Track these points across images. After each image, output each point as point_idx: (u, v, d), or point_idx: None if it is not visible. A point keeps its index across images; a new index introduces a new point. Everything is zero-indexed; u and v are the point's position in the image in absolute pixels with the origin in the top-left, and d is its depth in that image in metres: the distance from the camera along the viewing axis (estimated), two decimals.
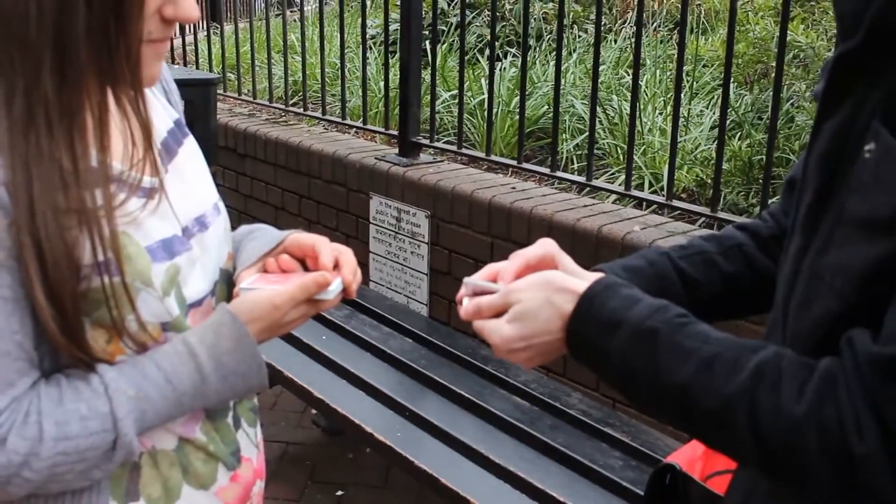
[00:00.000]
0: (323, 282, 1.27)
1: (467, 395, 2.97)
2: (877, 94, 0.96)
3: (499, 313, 1.19)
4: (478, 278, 1.26)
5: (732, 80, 4.50)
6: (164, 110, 1.34)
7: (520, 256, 1.30)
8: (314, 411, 3.88)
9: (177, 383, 1.17)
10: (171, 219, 1.21)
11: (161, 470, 1.24)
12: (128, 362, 1.16)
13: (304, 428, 4.07)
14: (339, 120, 4.85)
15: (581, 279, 1.17)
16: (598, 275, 1.25)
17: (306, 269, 1.34)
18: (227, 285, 1.34)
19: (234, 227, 1.44)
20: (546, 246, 1.32)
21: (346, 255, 1.34)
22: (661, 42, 5.67)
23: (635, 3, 6.26)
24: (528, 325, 1.16)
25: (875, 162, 0.94)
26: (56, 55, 1.02)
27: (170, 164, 1.27)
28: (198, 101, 4.40)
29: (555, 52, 3.64)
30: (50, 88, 1.03)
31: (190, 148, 1.34)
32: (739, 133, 4.15)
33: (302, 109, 5.11)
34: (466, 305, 1.23)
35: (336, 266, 1.32)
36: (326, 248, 1.33)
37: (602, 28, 3.67)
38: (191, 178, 1.31)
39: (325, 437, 3.97)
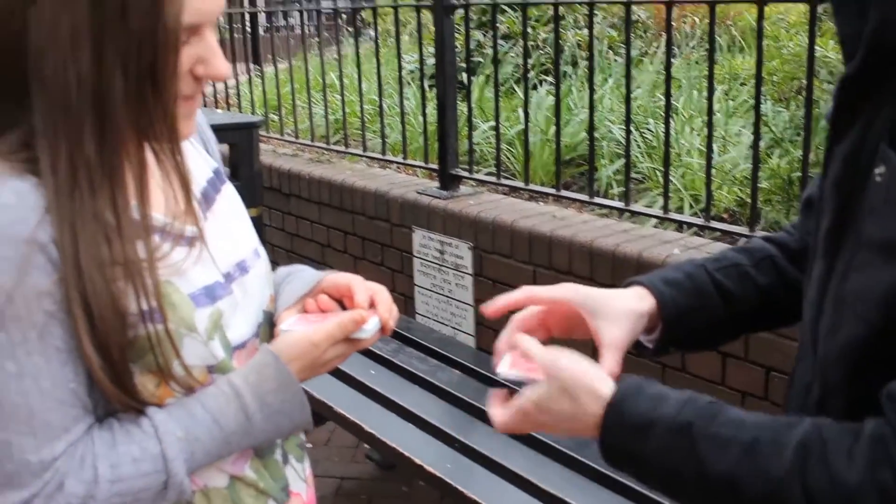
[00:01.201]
0: (360, 319, 1.31)
1: None
2: (884, 115, 0.97)
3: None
4: (508, 367, 1.26)
5: (769, 97, 4.51)
6: (202, 160, 1.39)
7: (532, 297, 1.32)
8: (367, 446, 3.92)
9: (224, 423, 1.21)
10: (212, 266, 1.26)
11: None
12: (176, 404, 1.21)
13: (357, 463, 4.10)
14: (380, 156, 4.92)
15: (605, 380, 1.15)
16: (639, 291, 1.26)
17: (344, 308, 1.38)
18: (270, 327, 1.38)
19: (283, 265, 1.48)
20: (561, 294, 1.32)
21: (382, 293, 1.38)
22: (697, 62, 5.68)
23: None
24: (550, 415, 1.16)
25: (886, 186, 0.95)
26: (96, 120, 1.08)
27: (209, 212, 1.32)
28: (241, 143, 4.49)
29: (588, 79, 3.67)
30: (91, 151, 1.09)
31: (229, 195, 1.40)
32: (778, 150, 4.14)
33: (343, 147, 5.19)
34: (502, 416, 1.21)
35: (372, 305, 1.36)
36: (361, 287, 1.37)
37: (637, 51, 3.70)
38: (230, 225, 1.36)
39: (379, 471, 4.01)
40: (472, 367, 3.48)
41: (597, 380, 1.14)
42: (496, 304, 1.33)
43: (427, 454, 2.92)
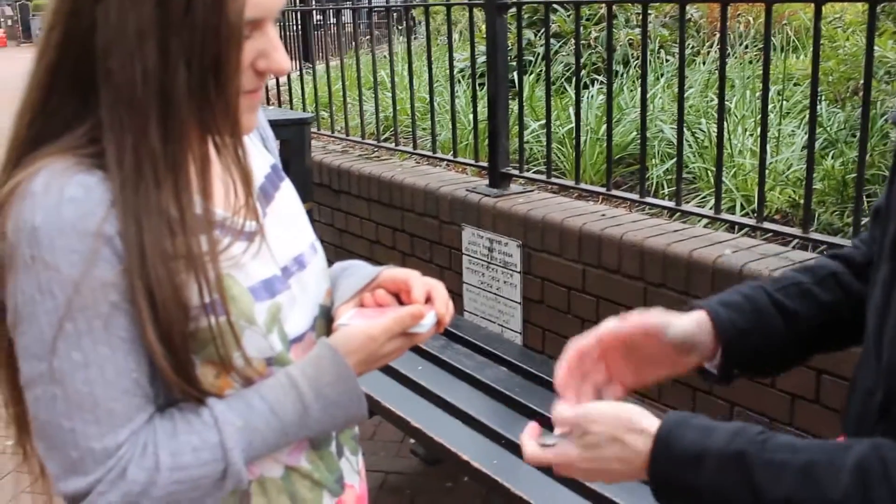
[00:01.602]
0: (418, 314, 1.32)
1: None
2: None
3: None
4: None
5: (824, 98, 4.46)
6: (261, 156, 1.41)
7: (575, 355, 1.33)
8: (412, 441, 3.94)
9: (281, 414, 1.23)
10: (270, 260, 1.28)
11: (270, 497, 1.30)
12: (235, 395, 1.23)
13: (402, 457, 4.12)
14: (430, 153, 4.93)
15: (647, 416, 1.15)
16: (697, 315, 1.25)
17: (401, 303, 1.39)
18: (326, 320, 1.40)
19: (330, 262, 1.50)
20: (609, 333, 1.34)
21: (438, 288, 1.39)
22: (750, 62, 5.63)
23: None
24: (602, 460, 1.15)
25: None
26: (161, 113, 1.10)
27: (268, 208, 1.34)
28: (293, 139, 4.53)
29: (641, 78, 3.66)
30: (156, 144, 1.11)
31: (286, 191, 1.42)
32: (833, 152, 4.09)
33: (393, 144, 5.22)
34: (535, 452, 1.22)
35: (428, 300, 1.37)
36: (419, 283, 1.38)
37: (689, 51, 3.68)
38: (288, 220, 1.38)
39: (424, 466, 4.02)
40: (519, 364, 3.48)
41: (639, 416, 1.14)
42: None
43: (473, 450, 2.93)
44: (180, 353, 1.14)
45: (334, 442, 1.41)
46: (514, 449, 2.91)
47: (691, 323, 1.34)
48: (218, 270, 1.16)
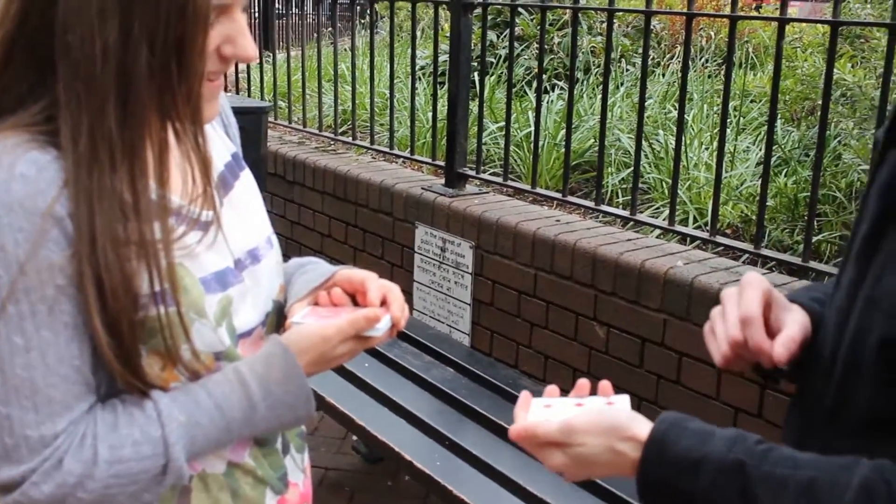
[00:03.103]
0: (373, 317, 1.29)
1: (507, 426, 2.98)
2: None
3: (555, 444, 1.15)
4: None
5: (780, 116, 4.51)
6: (222, 144, 1.38)
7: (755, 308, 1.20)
8: (354, 438, 3.92)
9: (227, 410, 1.20)
10: (225, 251, 1.25)
11: (211, 493, 1.28)
12: (181, 389, 1.20)
13: (343, 454, 4.10)
14: (387, 150, 4.90)
15: (639, 418, 1.12)
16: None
17: (356, 304, 1.37)
18: (277, 316, 1.37)
19: (282, 252, 1.48)
20: (762, 284, 1.22)
21: (395, 291, 1.37)
22: (709, 77, 5.68)
23: (683, 38, 6.29)
24: (588, 468, 1.14)
25: None
26: (119, 94, 1.07)
27: (226, 198, 1.31)
28: (249, 128, 4.49)
29: (601, 85, 3.67)
30: (113, 125, 1.08)
31: (246, 181, 1.39)
32: (785, 170, 4.14)
33: (351, 138, 5.18)
34: (519, 427, 1.18)
35: (384, 303, 1.34)
36: (375, 285, 1.36)
37: (650, 62, 3.69)
38: (245, 212, 1.35)
39: (365, 464, 4.00)
40: (466, 365, 3.48)
41: (628, 423, 1.12)
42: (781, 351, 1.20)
43: (416, 450, 2.93)
44: (126, 343, 1.11)
45: (280, 439, 1.38)
46: (458, 451, 2.91)
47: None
48: (170, 259, 1.13)
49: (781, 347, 1.15)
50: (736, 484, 1.02)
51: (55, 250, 1.06)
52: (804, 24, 5.60)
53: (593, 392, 1.25)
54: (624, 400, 1.21)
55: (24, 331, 1.07)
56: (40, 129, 1.09)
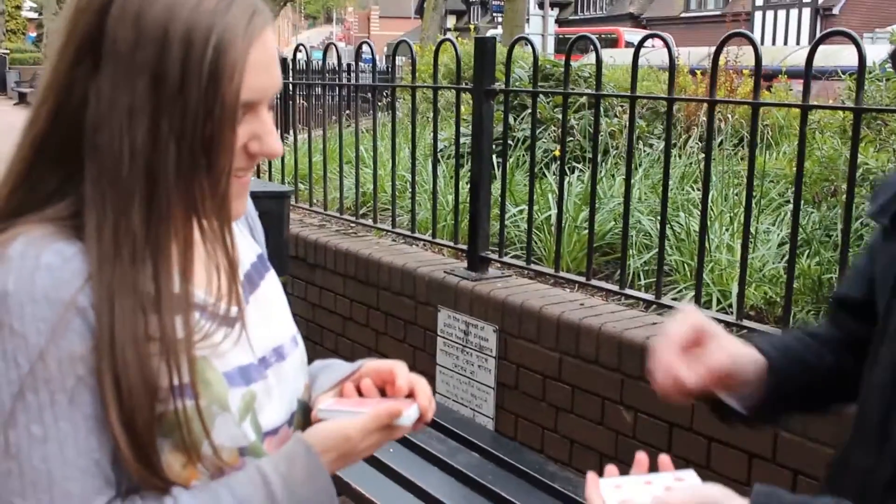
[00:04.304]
0: (395, 412, 1.26)
1: None
2: None
3: None
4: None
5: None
6: (247, 244, 1.38)
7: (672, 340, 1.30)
8: None
9: None
10: (249, 348, 1.25)
11: None
12: (202, 487, 1.17)
13: None
14: (408, 233, 4.93)
15: (737, 498, 1.12)
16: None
17: (383, 394, 1.36)
18: (303, 415, 1.36)
19: (303, 334, 1.47)
20: (694, 317, 1.31)
21: (421, 383, 1.35)
22: (728, 158, 5.72)
23: (699, 119, 6.36)
24: None
25: None
26: (146, 192, 1.08)
27: (251, 296, 1.31)
28: (271, 212, 4.51)
29: (619, 167, 3.70)
30: (138, 222, 1.09)
31: (271, 281, 1.39)
32: (808, 251, 4.14)
33: (372, 221, 5.21)
34: None
35: (411, 393, 1.33)
36: (403, 372, 1.35)
37: (664, 143, 3.73)
38: (270, 311, 1.35)
39: None
40: (492, 450, 3.45)
41: (724, 499, 1.12)
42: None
43: None
44: (144, 440, 1.09)
45: None
46: None
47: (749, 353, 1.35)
48: (192, 354, 1.13)
49: (689, 374, 1.26)
50: None
51: (77, 341, 1.06)
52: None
53: (652, 468, 1.25)
54: (692, 475, 1.20)
55: (43, 421, 1.06)
56: (67, 222, 1.10)
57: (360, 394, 1.36)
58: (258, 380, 1.24)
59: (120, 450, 1.08)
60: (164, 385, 1.10)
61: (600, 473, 1.25)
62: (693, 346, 1.33)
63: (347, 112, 6.28)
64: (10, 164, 1.15)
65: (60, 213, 1.11)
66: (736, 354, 1.31)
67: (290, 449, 1.23)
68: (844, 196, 2.94)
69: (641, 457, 1.25)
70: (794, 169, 3.08)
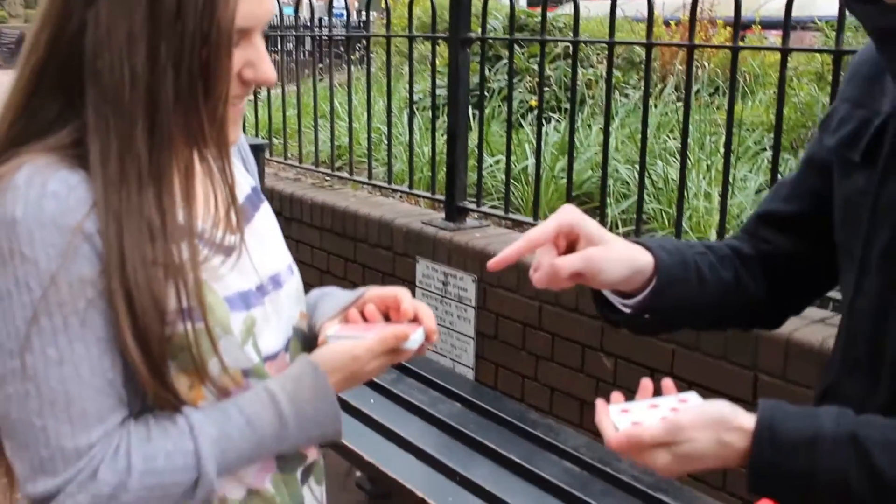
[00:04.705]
0: (402, 335, 1.30)
1: (517, 460, 2.97)
2: None
3: (661, 444, 1.15)
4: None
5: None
6: (242, 177, 1.40)
7: (540, 233, 1.27)
8: (358, 474, 3.88)
9: (258, 427, 1.21)
10: (249, 273, 1.27)
11: None
12: (212, 405, 1.21)
13: (348, 491, 4.05)
14: (385, 184, 4.90)
15: (745, 413, 1.13)
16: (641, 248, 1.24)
17: (388, 320, 1.38)
18: (300, 342, 1.38)
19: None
20: (565, 216, 1.28)
21: (424, 307, 1.38)
22: (707, 106, 5.71)
23: (675, 68, 6.34)
24: (693, 464, 1.13)
25: None
26: (148, 117, 1.10)
27: (247, 227, 1.32)
28: None
29: (595, 116, 3.68)
30: (142, 148, 1.11)
31: (266, 213, 1.41)
32: None
33: (348, 174, 5.18)
34: (621, 435, 1.16)
35: (415, 318, 1.35)
36: (407, 297, 1.38)
37: (641, 92, 3.71)
38: (266, 240, 1.37)
39: (370, 500, 3.96)
40: (473, 399, 3.46)
41: (732, 414, 1.13)
42: (501, 258, 1.31)
43: (427, 487, 2.90)
44: (157, 357, 1.13)
45: (301, 467, 1.38)
46: (469, 486, 2.88)
47: (637, 250, 1.31)
48: (198, 277, 1.15)
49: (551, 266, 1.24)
50: (855, 455, 1.04)
51: (86, 265, 1.08)
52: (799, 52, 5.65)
53: (656, 392, 1.25)
54: (695, 396, 1.21)
55: (57, 344, 1.09)
56: (69, 151, 1.12)
57: (365, 319, 1.39)
58: (257, 305, 1.27)
59: (135, 367, 1.12)
60: (172, 307, 1.13)
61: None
62: (566, 243, 1.29)
63: (321, 66, 6.21)
64: (10, 94, 1.17)
65: (62, 141, 1.13)
66: (603, 258, 1.25)
67: (298, 368, 1.27)
68: None
69: (646, 382, 1.26)
70: (771, 116, 3.08)
